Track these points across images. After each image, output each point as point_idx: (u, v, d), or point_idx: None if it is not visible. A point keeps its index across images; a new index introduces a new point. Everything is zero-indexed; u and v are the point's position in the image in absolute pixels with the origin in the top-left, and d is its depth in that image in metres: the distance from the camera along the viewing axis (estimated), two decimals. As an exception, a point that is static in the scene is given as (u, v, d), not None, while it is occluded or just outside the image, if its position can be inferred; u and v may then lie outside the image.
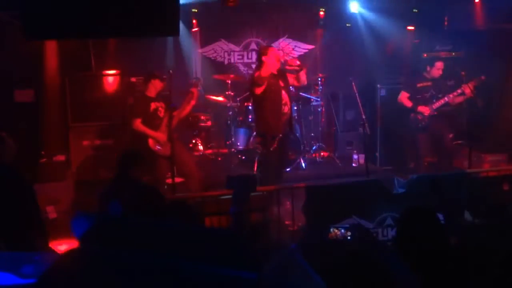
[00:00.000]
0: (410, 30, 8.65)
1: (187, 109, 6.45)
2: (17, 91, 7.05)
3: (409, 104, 6.96)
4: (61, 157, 6.70)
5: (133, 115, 6.31)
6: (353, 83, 6.53)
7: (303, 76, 5.86)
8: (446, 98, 6.80)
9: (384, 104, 7.88)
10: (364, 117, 6.40)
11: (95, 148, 7.19)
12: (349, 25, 9.08)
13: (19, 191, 3.90)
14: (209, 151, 8.43)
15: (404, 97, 7.02)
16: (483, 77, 6.62)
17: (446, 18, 8.60)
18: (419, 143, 7.12)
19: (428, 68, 6.94)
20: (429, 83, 6.93)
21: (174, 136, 6.10)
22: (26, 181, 4.09)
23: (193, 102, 6.42)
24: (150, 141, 6.23)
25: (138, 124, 6.22)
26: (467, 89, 6.60)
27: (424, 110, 6.87)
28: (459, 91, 6.71)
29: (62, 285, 1.31)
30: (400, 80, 7.99)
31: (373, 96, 7.93)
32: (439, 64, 6.90)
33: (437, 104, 6.84)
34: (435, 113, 6.87)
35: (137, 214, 3.44)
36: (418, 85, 6.97)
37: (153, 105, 6.29)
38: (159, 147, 6.22)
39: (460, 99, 6.80)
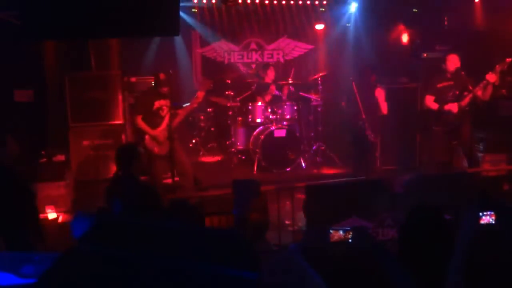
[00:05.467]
0: (410, 30, 8.65)
1: (187, 110, 6.49)
2: (17, 91, 7.04)
3: (435, 106, 6.45)
4: (61, 157, 6.69)
5: (135, 111, 6.38)
6: (353, 83, 6.52)
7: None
8: (471, 95, 6.20)
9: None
10: (364, 117, 6.39)
11: (95, 148, 7.18)
12: (349, 25, 9.10)
13: (17, 193, 3.90)
14: (209, 151, 8.44)
15: (429, 101, 6.53)
16: (508, 59, 5.92)
17: (446, 18, 8.60)
18: (436, 143, 6.68)
19: (444, 66, 6.48)
20: (450, 82, 6.39)
21: (175, 136, 6.14)
22: (25, 183, 4.08)
23: (194, 105, 6.43)
24: (147, 139, 6.18)
25: (138, 121, 6.25)
26: (493, 76, 5.97)
27: (452, 107, 6.30)
28: (484, 82, 6.06)
29: (62, 285, 1.31)
30: (400, 80, 7.99)
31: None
32: (451, 57, 6.41)
33: (465, 101, 6.26)
34: (467, 108, 6.30)
35: (135, 212, 3.44)
36: (438, 85, 6.47)
37: (156, 104, 6.26)
38: (155, 146, 6.19)
39: (488, 90, 6.15)
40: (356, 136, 6.75)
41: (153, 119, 6.24)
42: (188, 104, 6.52)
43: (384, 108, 6.77)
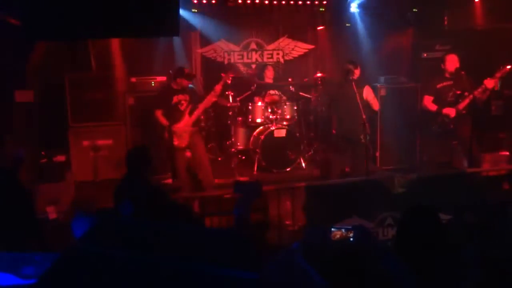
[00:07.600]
0: (410, 30, 8.65)
1: (206, 104, 6.57)
2: (17, 91, 7.04)
3: (433, 108, 6.48)
4: (61, 157, 6.69)
5: (155, 106, 6.51)
6: (353, 83, 6.51)
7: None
8: (471, 96, 6.18)
9: (384, 104, 7.86)
10: (364, 117, 6.38)
11: (95, 148, 7.19)
12: (349, 25, 9.09)
13: (14, 194, 3.89)
14: (209, 151, 8.43)
15: (428, 102, 6.54)
16: (508, 66, 5.92)
17: (446, 18, 8.60)
18: (436, 143, 6.71)
19: (443, 66, 6.47)
20: (449, 82, 6.40)
21: (194, 129, 6.44)
22: (22, 184, 4.08)
23: (213, 99, 6.54)
24: (166, 133, 6.36)
25: (158, 115, 6.43)
26: (491, 82, 6.00)
27: (450, 112, 6.36)
28: (483, 86, 6.06)
29: (62, 285, 1.31)
30: (400, 80, 7.98)
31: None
32: (450, 57, 6.42)
33: (463, 104, 6.30)
34: (464, 112, 6.32)
35: (145, 213, 3.46)
36: (438, 86, 6.46)
37: (175, 98, 6.43)
38: (175, 139, 6.33)
39: (486, 94, 6.14)
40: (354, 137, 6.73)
41: (173, 113, 6.40)
42: (207, 97, 6.61)
43: (375, 104, 6.69)
